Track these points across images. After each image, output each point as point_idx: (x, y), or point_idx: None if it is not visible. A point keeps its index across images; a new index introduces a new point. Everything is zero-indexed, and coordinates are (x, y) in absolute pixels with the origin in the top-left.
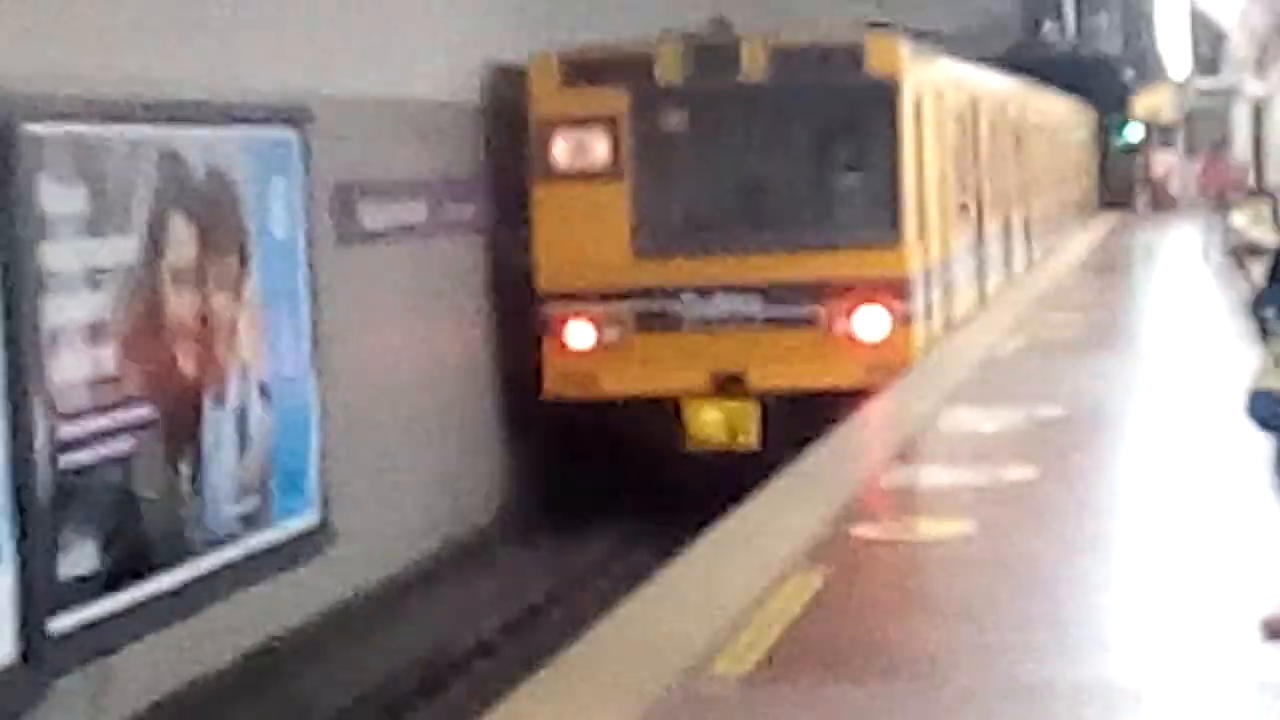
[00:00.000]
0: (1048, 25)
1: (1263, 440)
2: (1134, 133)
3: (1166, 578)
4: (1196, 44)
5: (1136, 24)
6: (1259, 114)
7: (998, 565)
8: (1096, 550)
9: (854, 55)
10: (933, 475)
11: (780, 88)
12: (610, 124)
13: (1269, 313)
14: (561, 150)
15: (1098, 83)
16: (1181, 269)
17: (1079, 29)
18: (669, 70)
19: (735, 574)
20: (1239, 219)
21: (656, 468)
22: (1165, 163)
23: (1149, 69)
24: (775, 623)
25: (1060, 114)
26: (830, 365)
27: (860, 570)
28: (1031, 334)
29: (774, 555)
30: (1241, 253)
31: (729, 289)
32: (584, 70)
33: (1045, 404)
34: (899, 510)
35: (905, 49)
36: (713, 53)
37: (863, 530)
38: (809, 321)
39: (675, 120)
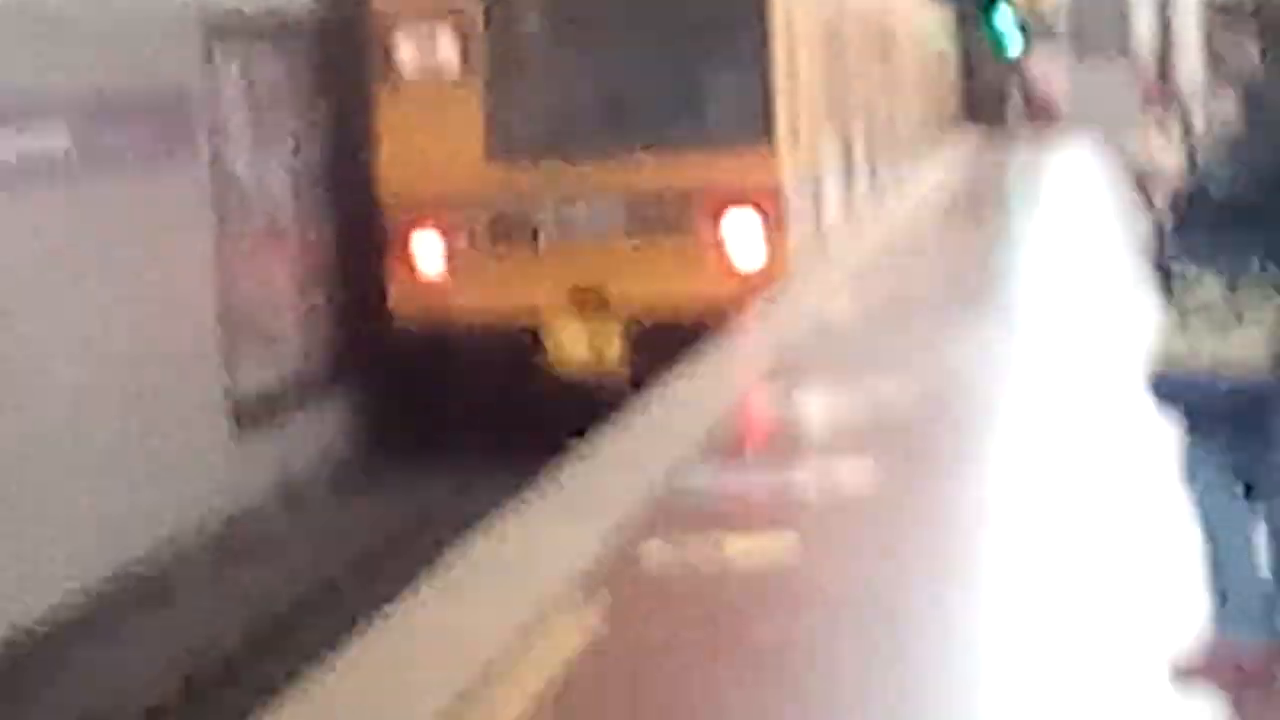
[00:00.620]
0: None
1: (1166, 424)
2: (1007, 26)
3: (1049, 610)
4: None
5: None
6: (1165, 3)
7: (827, 596)
8: (955, 575)
9: None
10: (745, 476)
11: None
12: (460, 21)
13: (1174, 260)
14: (406, 52)
15: None
16: (1067, 202)
17: None
18: None
19: (486, 611)
20: (1137, 138)
21: (514, 394)
22: (1045, 67)
23: None
24: (535, 676)
25: (912, 8)
26: (701, 279)
27: (649, 605)
28: (874, 290)
29: (539, 585)
30: (1142, 182)
31: (591, 198)
32: None
33: (892, 383)
34: (702, 523)
35: None
36: None
37: (655, 550)
38: (677, 231)
39: (532, 17)
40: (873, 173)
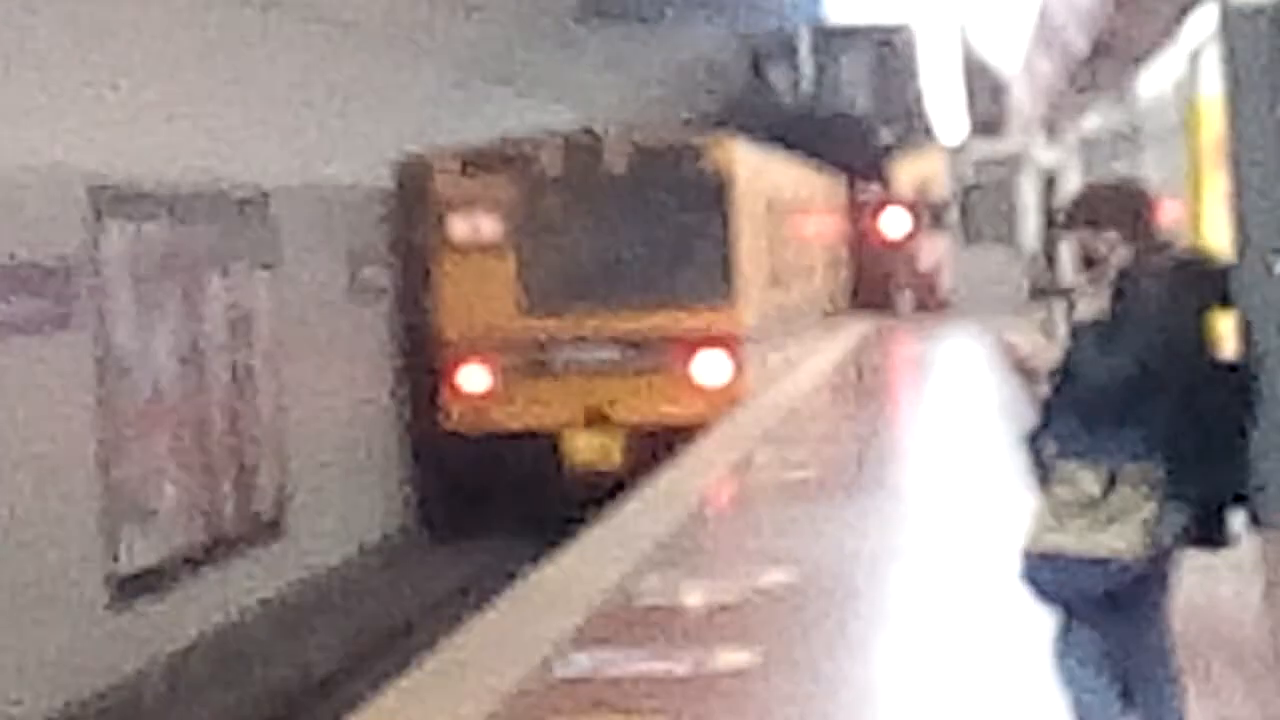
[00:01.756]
0: (775, 73)
1: (1042, 612)
2: (895, 219)
3: None
4: (973, 99)
5: (895, 73)
6: (1050, 187)
7: None
8: None
9: (697, 152)
10: (620, 663)
11: (637, 178)
12: (500, 206)
13: (1045, 450)
14: (459, 227)
15: (844, 147)
16: (953, 389)
17: (818, 79)
18: (549, 163)
19: None
20: (1021, 329)
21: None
22: (934, 252)
23: (912, 131)
24: None
25: (816, 189)
26: (678, 402)
27: None
28: (755, 475)
29: None
30: (1025, 372)
31: (597, 340)
32: (480, 163)
33: (770, 569)
34: (580, 711)
35: (738, 148)
36: (582, 150)
37: None
38: (662, 367)
39: (553, 203)
40: (786, 341)
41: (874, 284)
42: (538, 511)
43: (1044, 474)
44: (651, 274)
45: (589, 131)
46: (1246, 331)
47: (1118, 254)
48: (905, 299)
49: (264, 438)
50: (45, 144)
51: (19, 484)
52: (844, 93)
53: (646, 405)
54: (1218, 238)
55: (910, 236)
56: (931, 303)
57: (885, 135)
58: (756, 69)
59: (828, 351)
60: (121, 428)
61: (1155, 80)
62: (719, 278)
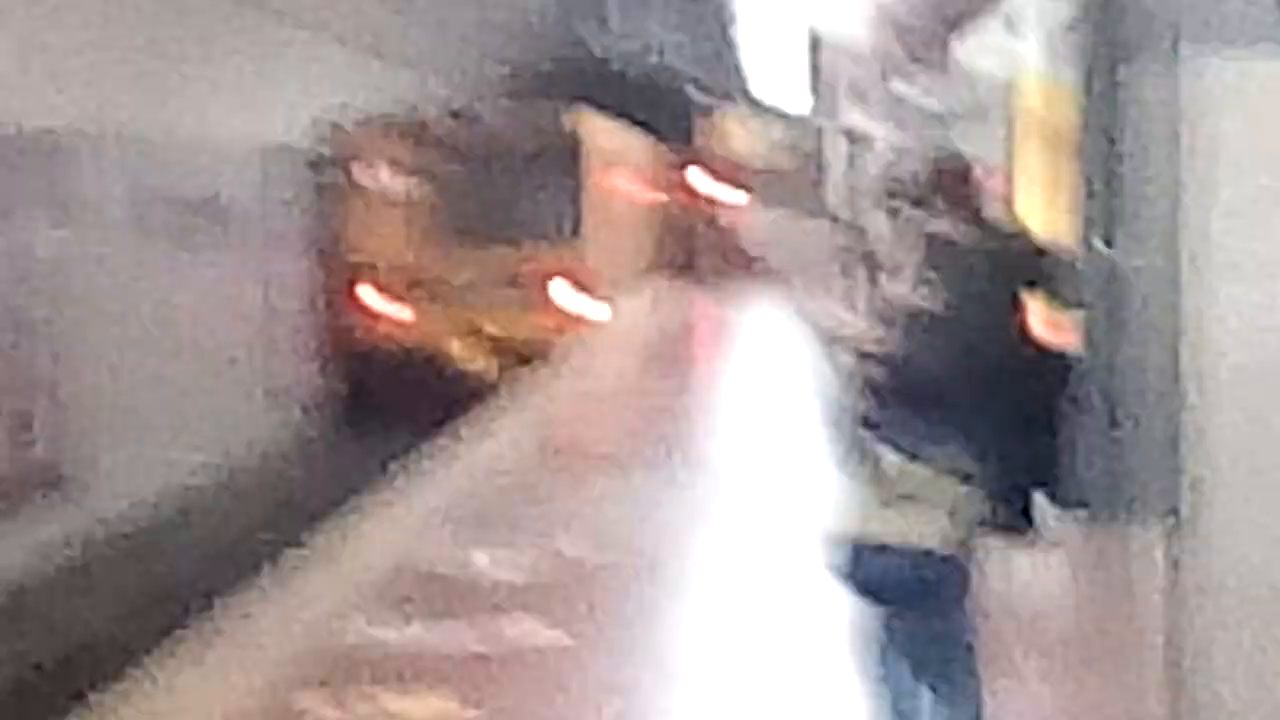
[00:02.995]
0: (584, 27)
1: (845, 597)
2: (701, 180)
3: None
4: (787, 59)
5: (707, 29)
6: (859, 155)
7: None
8: None
9: (556, 119)
10: (410, 631)
11: (512, 141)
12: (399, 160)
13: (851, 431)
14: (366, 178)
15: (653, 108)
16: (759, 360)
17: (627, 35)
18: (441, 129)
19: None
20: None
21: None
22: (740, 213)
23: (724, 88)
24: None
25: (635, 148)
26: (536, 321)
27: None
28: (554, 433)
29: None
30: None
31: (475, 269)
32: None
33: (571, 537)
34: (362, 680)
35: (590, 118)
36: (466, 118)
37: (310, 705)
38: (523, 292)
39: (442, 164)
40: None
41: (680, 244)
42: (424, 412)
43: (848, 455)
44: (518, 217)
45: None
46: (1085, 317)
47: (938, 228)
48: (710, 260)
49: None
50: None
51: None
52: (653, 49)
53: (514, 324)
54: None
55: (718, 201)
56: (739, 264)
57: (695, 94)
58: (569, 26)
59: (637, 315)
60: None
61: (975, 52)
62: (571, 221)
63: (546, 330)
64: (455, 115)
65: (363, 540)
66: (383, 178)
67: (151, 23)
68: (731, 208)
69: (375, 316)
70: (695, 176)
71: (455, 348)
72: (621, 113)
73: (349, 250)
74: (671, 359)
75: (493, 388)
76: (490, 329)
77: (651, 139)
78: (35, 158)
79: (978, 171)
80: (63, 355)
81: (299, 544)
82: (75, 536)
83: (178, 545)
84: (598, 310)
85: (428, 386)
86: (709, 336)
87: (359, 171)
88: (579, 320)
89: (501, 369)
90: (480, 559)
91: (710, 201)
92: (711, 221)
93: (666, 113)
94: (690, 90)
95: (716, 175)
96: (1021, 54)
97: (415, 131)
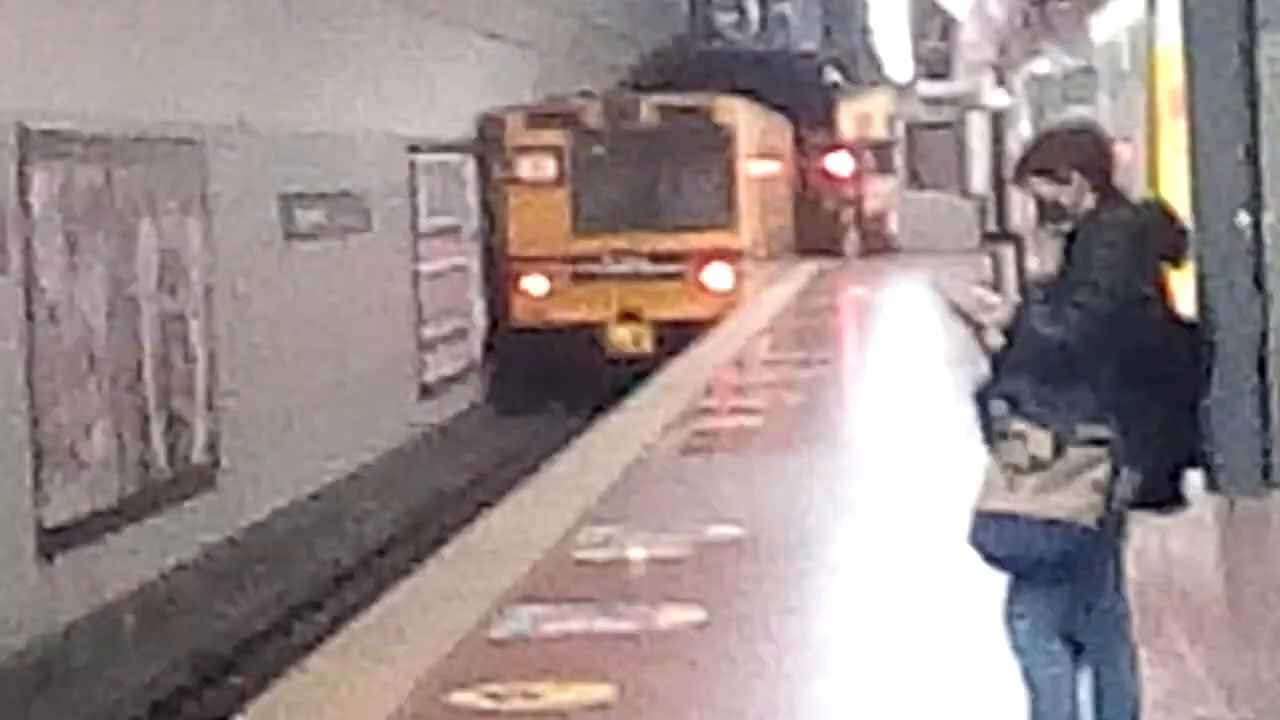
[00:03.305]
0: (723, 15)
1: (991, 573)
2: (840, 162)
3: None
4: (922, 38)
5: (840, 12)
6: (999, 131)
7: None
8: None
9: (707, 110)
10: (564, 622)
11: (663, 130)
12: (556, 151)
13: (996, 408)
14: (525, 167)
15: (791, 88)
16: (902, 339)
17: (763, 20)
18: (592, 119)
19: None
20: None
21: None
22: (880, 194)
23: (858, 70)
24: None
25: (777, 134)
26: (695, 302)
27: None
28: (701, 425)
29: None
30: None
31: (632, 254)
32: (539, 118)
33: (716, 523)
34: (519, 671)
35: (738, 106)
36: (620, 107)
37: (467, 699)
38: (679, 275)
39: (597, 150)
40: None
41: (820, 227)
42: (583, 391)
43: (994, 433)
44: (673, 203)
45: (624, 93)
46: (1202, 288)
47: (1075, 203)
48: (851, 242)
49: None
50: None
51: None
52: (789, 32)
53: (670, 305)
54: (1174, 188)
55: (856, 179)
56: (879, 246)
57: (831, 75)
58: (696, 7)
59: (780, 289)
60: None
61: (1110, 25)
62: (724, 206)
63: (701, 311)
64: (608, 105)
65: (516, 529)
66: (541, 167)
67: (299, 21)
68: (871, 188)
69: (537, 300)
70: (835, 159)
71: (614, 330)
72: (760, 97)
73: (509, 238)
74: (817, 340)
75: (650, 368)
76: (648, 311)
77: (792, 123)
78: (184, 159)
79: (1115, 144)
80: (215, 356)
81: (451, 535)
82: (232, 536)
83: (331, 542)
84: (748, 291)
85: (588, 367)
86: (853, 317)
87: (519, 162)
88: (732, 301)
89: (658, 350)
90: (633, 545)
91: (850, 182)
92: (852, 202)
93: (805, 96)
94: (827, 73)
95: (856, 156)
96: (1157, 26)
97: (570, 121)
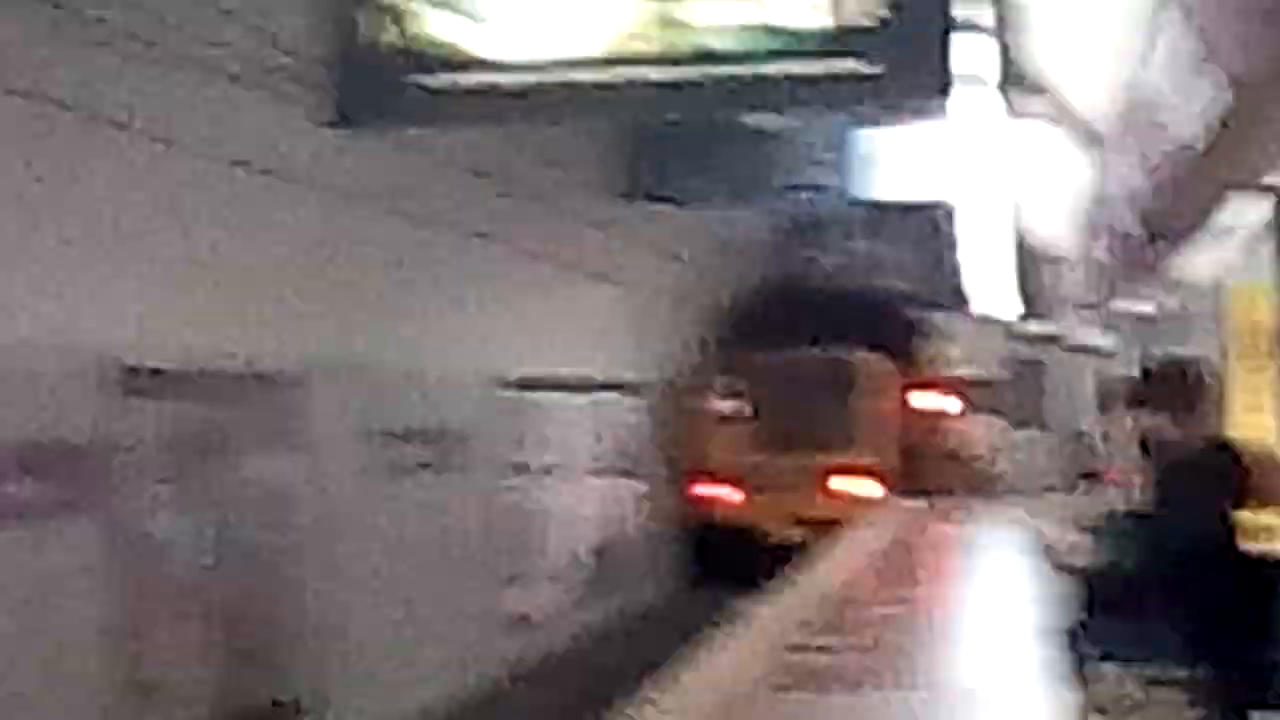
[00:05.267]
0: (806, 252)
1: None
2: (937, 399)
3: None
4: (1023, 277)
5: (931, 249)
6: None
7: None
8: None
9: (850, 363)
10: None
11: (820, 376)
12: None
13: (1086, 650)
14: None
15: (876, 326)
16: (996, 580)
17: (851, 256)
18: (774, 369)
19: None
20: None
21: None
22: (979, 434)
23: (947, 304)
24: None
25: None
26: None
27: None
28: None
29: None
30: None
31: (800, 470)
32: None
33: None
34: None
35: (860, 355)
36: (793, 361)
37: None
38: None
39: (761, 389)
40: None
41: (919, 467)
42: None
43: (1084, 675)
44: (812, 430)
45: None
46: None
47: (1174, 437)
48: (945, 479)
49: None
50: (67, 322)
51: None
52: (878, 269)
53: (811, 506)
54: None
55: (953, 416)
56: (977, 484)
57: (918, 312)
58: (787, 248)
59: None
60: None
61: (1198, 263)
62: (845, 432)
63: (833, 510)
64: (764, 350)
65: None
66: (720, 403)
67: (389, 257)
68: (953, 422)
69: (711, 503)
70: (917, 393)
71: (771, 525)
72: (845, 331)
73: (687, 457)
74: (901, 572)
75: (797, 553)
76: (796, 511)
77: (891, 359)
78: (269, 394)
79: (1203, 377)
80: (295, 588)
81: None
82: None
83: None
84: (870, 490)
85: (752, 554)
86: (938, 550)
87: (701, 400)
88: (856, 502)
89: (804, 540)
90: None
91: (932, 416)
92: (934, 434)
93: (888, 330)
94: (910, 307)
95: (938, 390)
96: (1228, 261)
97: (740, 368)
